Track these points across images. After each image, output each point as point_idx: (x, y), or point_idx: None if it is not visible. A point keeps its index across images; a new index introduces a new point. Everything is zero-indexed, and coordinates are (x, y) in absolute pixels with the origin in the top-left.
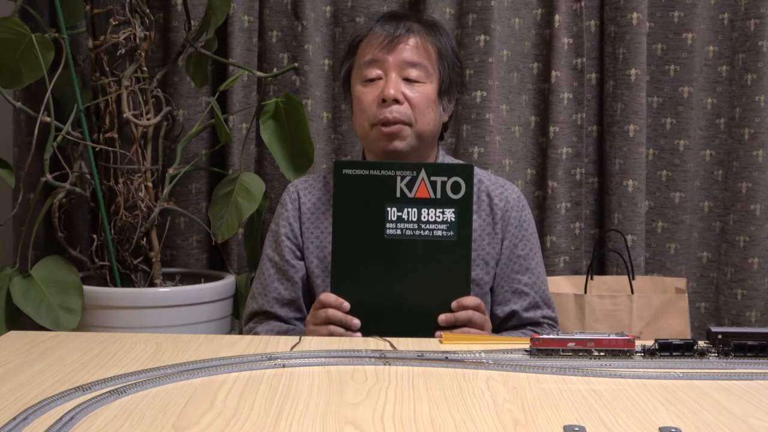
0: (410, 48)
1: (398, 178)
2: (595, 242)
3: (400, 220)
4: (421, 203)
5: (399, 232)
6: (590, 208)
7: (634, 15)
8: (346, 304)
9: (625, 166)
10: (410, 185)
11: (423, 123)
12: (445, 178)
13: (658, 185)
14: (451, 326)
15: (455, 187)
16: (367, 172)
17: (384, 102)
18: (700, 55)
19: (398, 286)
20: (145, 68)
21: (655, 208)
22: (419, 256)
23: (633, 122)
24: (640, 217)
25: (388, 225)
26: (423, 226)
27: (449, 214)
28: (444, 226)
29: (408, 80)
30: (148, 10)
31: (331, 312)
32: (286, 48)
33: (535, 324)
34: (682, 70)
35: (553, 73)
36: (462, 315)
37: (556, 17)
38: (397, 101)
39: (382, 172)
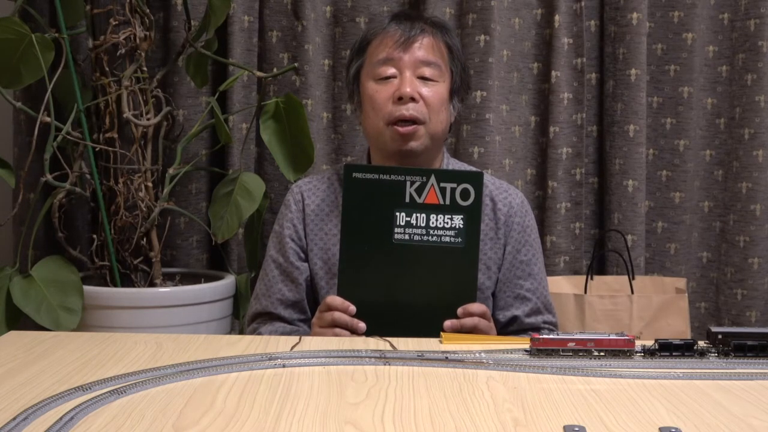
0: (425, 47)
1: (408, 184)
2: (595, 242)
3: (408, 225)
4: (430, 209)
5: (407, 237)
6: (590, 208)
7: (634, 15)
8: (352, 308)
9: (625, 166)
10: (420, 191)
11: (436, 122)
12: (454, 185)
13: (658, 185)
14: (457, 333)
15: (464, 194)
16: (376, 176)
17: (400, 100)
18: (700, 55)
19: (405, 291)
20: (145, 68)
21: (655, 208)
22: (426, 261)
23: (633, 122)
24: (640, 217)
25: (396, 230)
26: (431, 231)
27: (458, 221)
28: (452, 233)
29: (422, 78)
30: (148, 10)
31: (337, 315)
32: (286, 48)
33: (536, 329)
34: (682, 70)
35: (553, 73)
36: (468, 321)
37: (556, 17)
38: (413, 99)
39: (392, 177)
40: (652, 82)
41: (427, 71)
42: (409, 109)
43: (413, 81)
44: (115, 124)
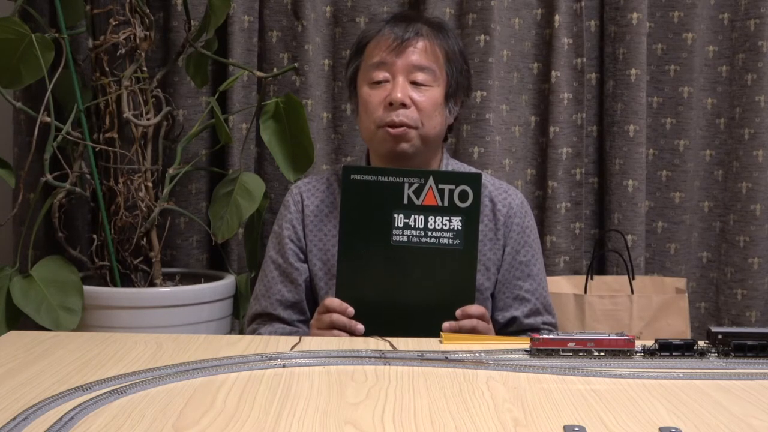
0: (418, 51)
1: (406, 185)
2: (595, 242)
3: (406, 226)
4: (428, 211)
5: (405, 238)
6: (590, 208)
7: (634, 15)
8: (351, 309)
9: (625, 166)
10: (418, 192)
11: (429, 126)
12: (453, 186)
13: (658, 185)
14: None
15: (463, 196)
16: (375, 178)
17: (391, 105)
18: (700, 55)
19: (403, 293)
20: (145, 68)
21: (655, 208)
22: (425, 263)
23: (633, 122)
24: (640, 217)
25: (394, 231)
26: (429, 233)
27: (456, 223)
28: (450, 234)
29: (415, 83)
30: (148, 10)
31: (336, 317)
32: (286, 48)
33: (535, 330)
34: (682, 70)
35: (553, 73)
36: (466, 323)
37: (556, 17)
38: (404, 105)
39: (391, 178)
40: (652, 82)
41: (420, 76)
42: (399, 115)
43: (405, 86)
44: (115, 124)
